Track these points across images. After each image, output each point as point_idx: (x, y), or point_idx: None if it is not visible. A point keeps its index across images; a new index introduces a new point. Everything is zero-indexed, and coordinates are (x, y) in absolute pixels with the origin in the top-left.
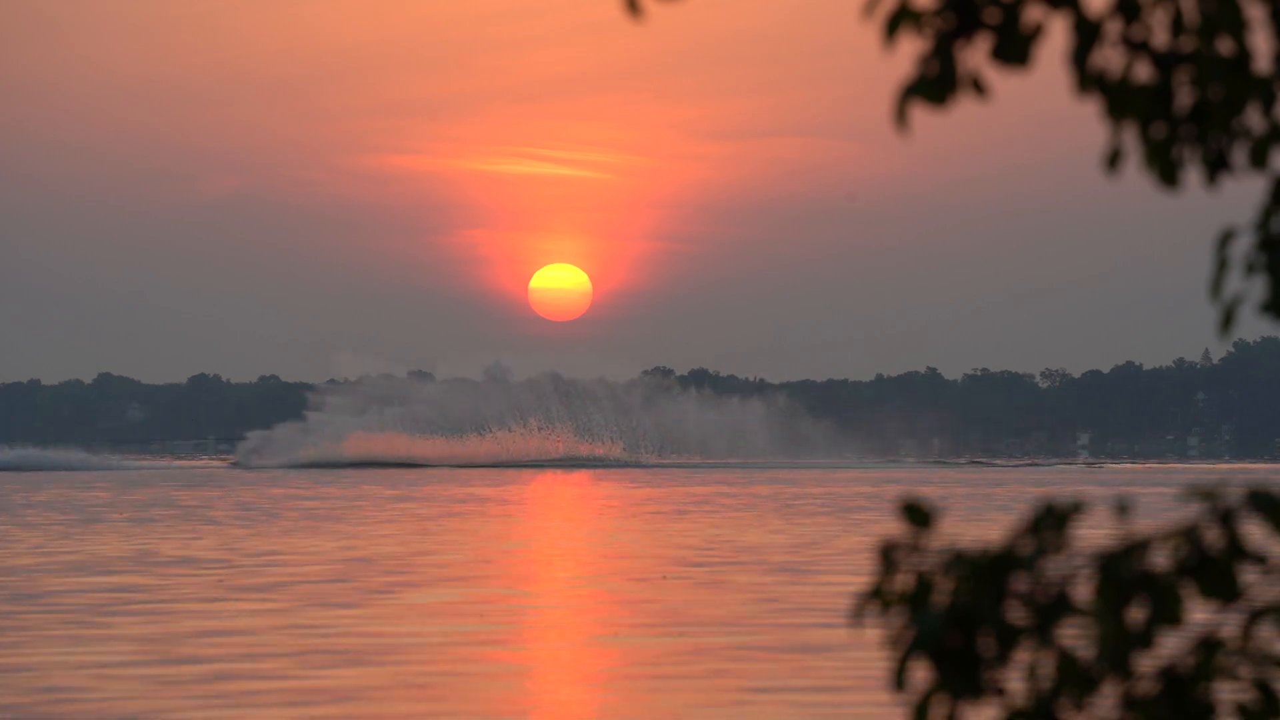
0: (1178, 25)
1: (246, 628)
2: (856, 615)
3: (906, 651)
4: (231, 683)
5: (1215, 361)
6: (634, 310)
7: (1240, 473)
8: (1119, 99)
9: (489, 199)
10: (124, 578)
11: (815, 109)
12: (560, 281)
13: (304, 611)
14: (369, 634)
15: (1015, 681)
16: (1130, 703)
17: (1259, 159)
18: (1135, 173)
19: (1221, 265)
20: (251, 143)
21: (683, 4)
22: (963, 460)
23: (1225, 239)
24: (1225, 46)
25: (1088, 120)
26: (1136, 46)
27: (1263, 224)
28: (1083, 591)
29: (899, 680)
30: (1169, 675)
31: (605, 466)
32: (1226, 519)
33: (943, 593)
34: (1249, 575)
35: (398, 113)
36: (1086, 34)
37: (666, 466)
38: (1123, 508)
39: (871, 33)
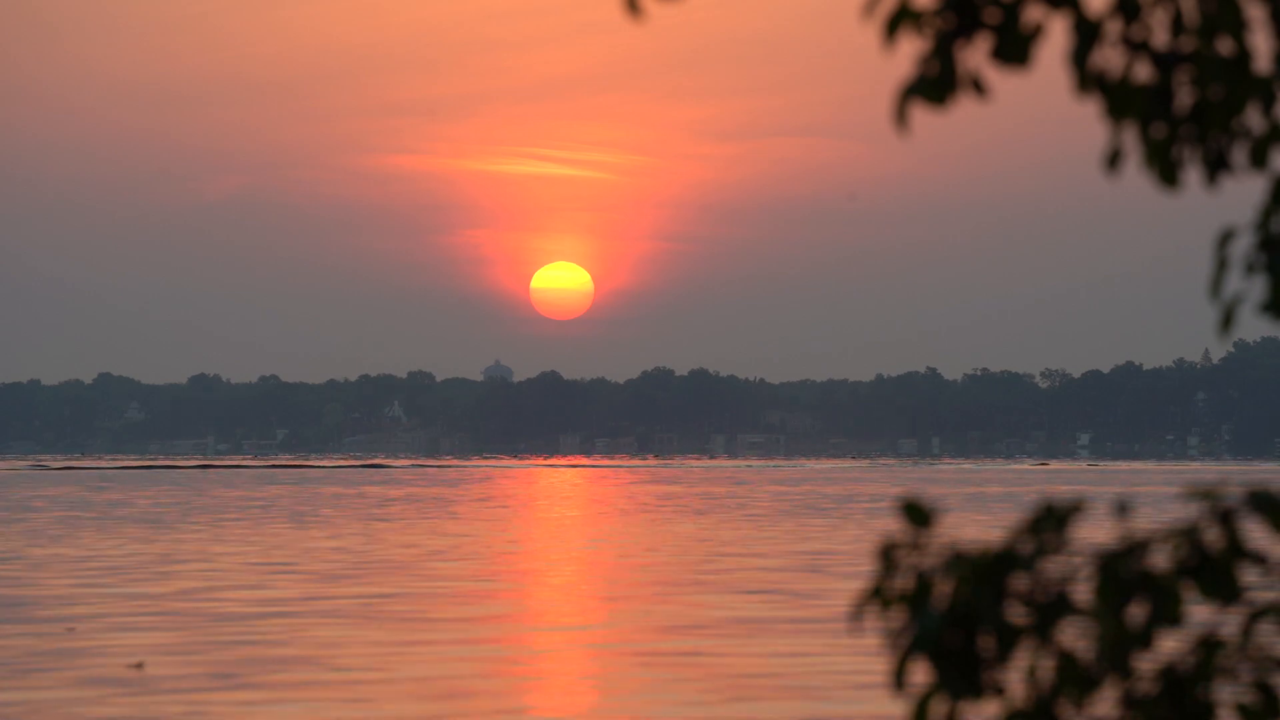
0: (1178, 25)
1: None
2: (856, 615)
3: (906, 651)
4: None
5: (1215, 361)
6: (635, 310)
7: (1240, 473)
8: (1119, 99)
9: (489, 199)
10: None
11: (818, 110)
12: (562, 281)
13: None
14: None
15: (1015, 681)
16: (1130, 703)
17: (1259, 159)
18: (1135, 173)
19: (1221, 265)
20: (251, 144)
21: (684, 4)
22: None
23: (1225, 239)
24: (1225, 46)
25: (1088, 120)
26: (1136, 46)
27: (1263, 224)
28: (1083, 591)
29: (899, 680)
30: (1169, 675)
31: None
32: (1226, 519)
33: (943, 593)
34: (1249, 575)
35: (398, 113)
36: (1086, 34)
37: None
38: (1123, 508)
39: (873, 33)
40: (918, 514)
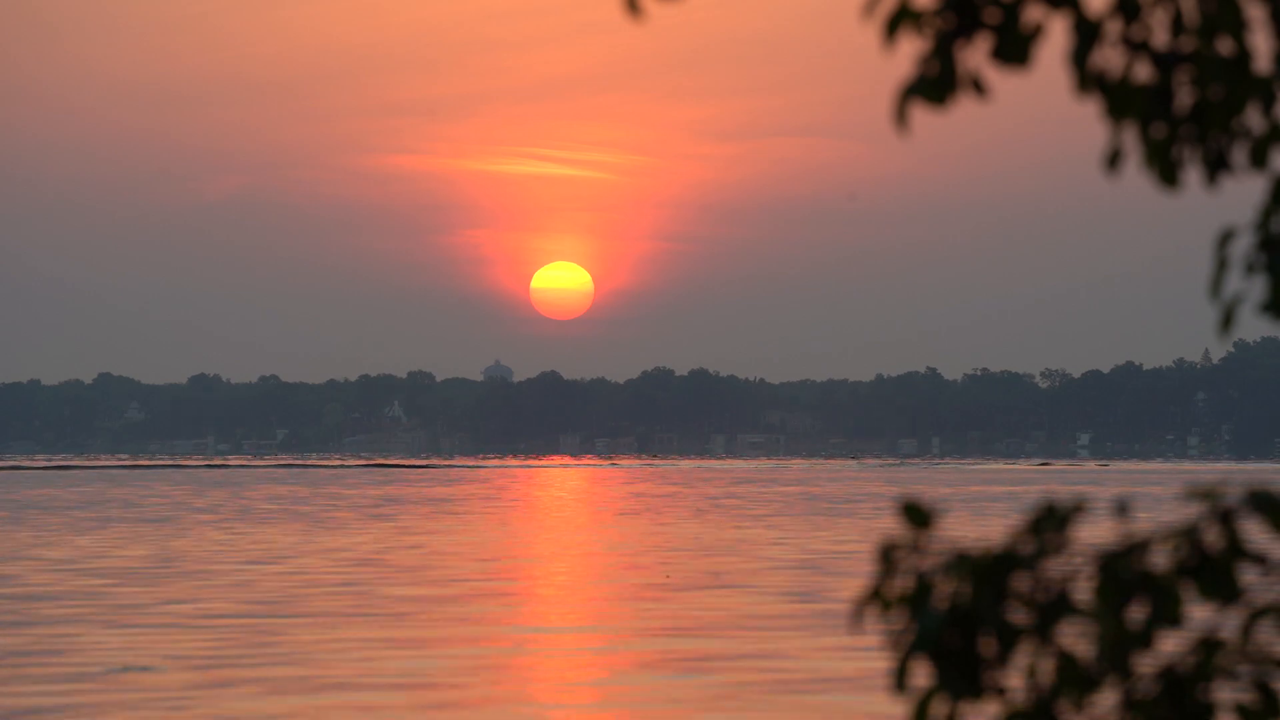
0: (1178, 25)
1: None
2: (857, 615)
3: (907, 652)
4: None
5: (1215, 361)
6: (635, 310)
7: (1240, 473)
8: (1119, 99)
9: (489, 199)
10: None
11: (818, 109)
12: (562, 281)
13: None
14: None
15: (1015, 682)
16: (1130, 703)
17: (1259, 159)
18: (1135, 173)
19: (1221, 265)
20: (251, 144)
21: (684, 4)
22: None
23: (1225, 239)
24: (1225, 46)
25: (1088, 120)
26: (1136, 46)
27: (1263, 224)
28: (1083, 591)
29: (900, 681)
30: (1169, 675)
31: None
32: (1226, 519)
33: (943, 593)
34: (1249, 575)
35: (398, 113)
36: (1086, 34)
37: None
38: (1123, 508)
39: (873, 33)
40: (917, 514)
